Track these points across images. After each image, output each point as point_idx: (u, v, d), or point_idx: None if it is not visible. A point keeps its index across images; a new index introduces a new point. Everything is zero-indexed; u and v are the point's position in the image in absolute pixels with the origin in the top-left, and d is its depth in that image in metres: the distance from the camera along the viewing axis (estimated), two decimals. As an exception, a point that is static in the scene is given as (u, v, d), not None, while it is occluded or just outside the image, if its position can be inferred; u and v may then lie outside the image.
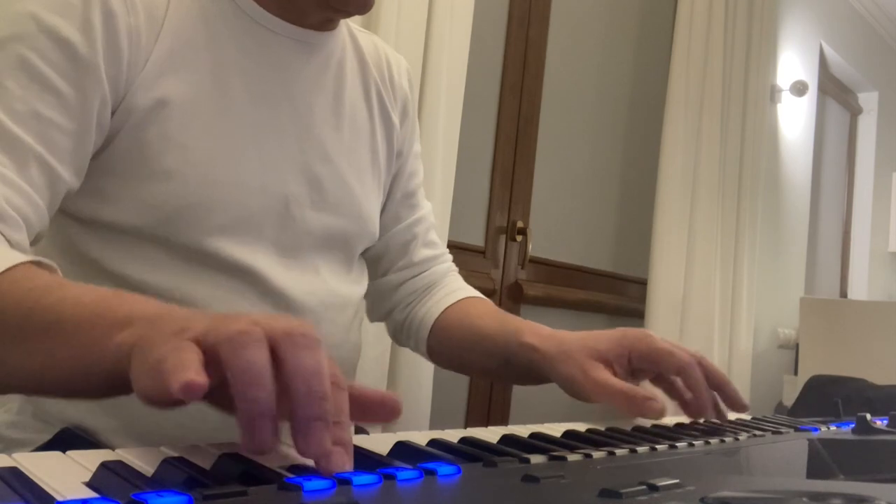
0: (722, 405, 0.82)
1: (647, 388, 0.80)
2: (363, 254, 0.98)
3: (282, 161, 0.81)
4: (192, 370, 0.40)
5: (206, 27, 0.77)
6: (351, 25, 0.93)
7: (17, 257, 0.58)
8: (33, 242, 0.67)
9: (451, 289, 1.01)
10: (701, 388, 0.78)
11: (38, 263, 0.60)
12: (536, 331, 0.87)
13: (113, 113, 0.72)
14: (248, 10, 0.80)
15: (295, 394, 0.42)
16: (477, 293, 1.02)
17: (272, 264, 0.80)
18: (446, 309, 0.98)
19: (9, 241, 0.63)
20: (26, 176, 0.66)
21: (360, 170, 0.89)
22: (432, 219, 1.04)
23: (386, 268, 1.00)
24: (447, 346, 0.98)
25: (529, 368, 0.87)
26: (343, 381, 0.46)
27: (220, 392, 0.43)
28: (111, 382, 0.48)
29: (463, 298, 0.99)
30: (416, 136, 1.02)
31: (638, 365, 0.82)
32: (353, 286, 0.91)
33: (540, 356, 0.84)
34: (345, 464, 0.43)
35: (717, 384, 0.81)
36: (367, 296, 1.03)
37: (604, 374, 0.79)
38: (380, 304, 1.03)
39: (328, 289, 0.86)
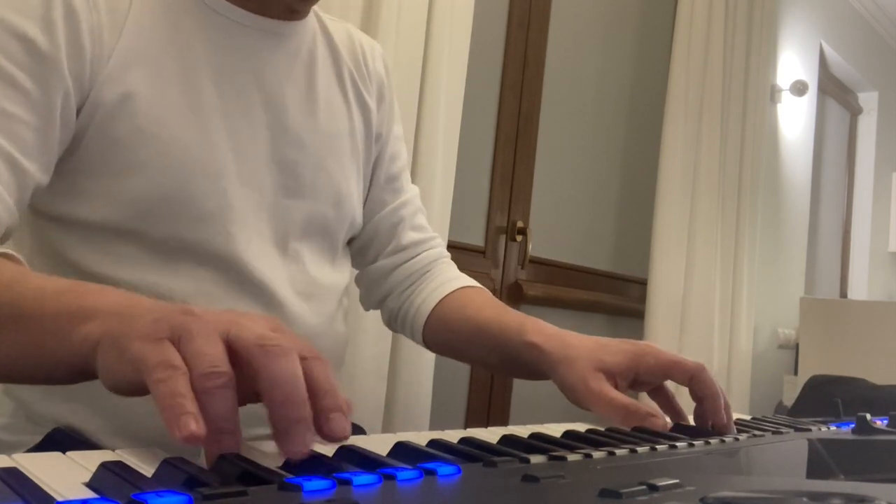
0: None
1: (646, 402, 0.79)
2: (353, 243, 0.97)
3: (255, 150, 0.81)
4: (192, 418, 0.41)
5: (171, 21, 0.78)
6: (322, 15, 0.93)
7: None
8: (3, 239, 0.68)
9: (446, 277, 1.00)
10: (715, 388, 0.76)
11: (3, 255, 0.61)
12: (540, 329, 0.86)
13: (79, 110, 0.73)
14: (212, 3, 0.80)
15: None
16: (473, 282, 1.01)
17: (252, 254, 0.80)
18: (443, 299, 0.97)
19: None
20: None
21: (339, 155, 0.89)
22: (419, 202, 1.04)
23: (376, 253, 1.00)
24: (445, 337, 0.97)
25: (531, 366, 0.85)
26: (320, 355, 0.48)
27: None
28: (77, 372, 0.51)
29: (459, 288, 0.99)
30: (395, 118, 1.02)
31: (645, 379, 0.80)
32: (336, 275, 0.91)
33: (542, 356, 0.83)
34: (345, 428, 0.46)
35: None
36: (360, 283, 1.03)
37: (605, 387, 0.77)
38: (373, 292, 1.03)
39: (310, 279, 0.85)
